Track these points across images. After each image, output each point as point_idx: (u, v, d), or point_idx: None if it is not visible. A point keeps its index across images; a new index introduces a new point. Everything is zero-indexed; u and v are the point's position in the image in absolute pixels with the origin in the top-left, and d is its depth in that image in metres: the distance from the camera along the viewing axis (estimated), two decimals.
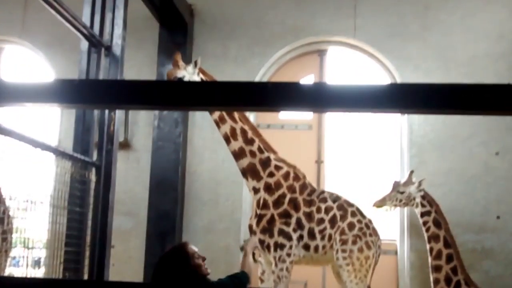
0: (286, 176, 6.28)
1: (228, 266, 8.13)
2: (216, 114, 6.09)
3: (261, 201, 6.18)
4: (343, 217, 6.37)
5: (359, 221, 6.43)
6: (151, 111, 8.54)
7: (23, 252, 5.36)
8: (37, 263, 8.32)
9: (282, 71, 8.77)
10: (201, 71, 6.25)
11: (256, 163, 6.18)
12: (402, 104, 2.98)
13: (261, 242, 6.11)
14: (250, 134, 6.19)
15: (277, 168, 6.26)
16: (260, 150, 6.20)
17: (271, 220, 6.12)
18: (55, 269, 5.23)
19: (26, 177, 5.16)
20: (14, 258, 8.42)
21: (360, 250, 6.33)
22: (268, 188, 6.19)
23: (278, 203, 6.18)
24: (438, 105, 2.95)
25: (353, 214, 6.45)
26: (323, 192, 6.53)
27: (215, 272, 8.28)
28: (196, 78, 6.09)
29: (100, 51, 5.85)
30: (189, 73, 6.08)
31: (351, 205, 6.52)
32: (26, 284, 3.76)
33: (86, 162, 5.53)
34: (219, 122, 6.14)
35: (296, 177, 6.34)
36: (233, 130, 6.12)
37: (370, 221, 6.55)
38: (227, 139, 6.17)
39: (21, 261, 5.90)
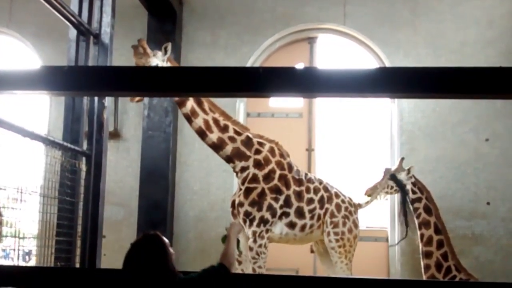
0: (271, 151, 6.33)
1: (219, 255, 8.13)
2: (188, 107, 5.95)
3: (249, 176, 6.17)
4: (330, 199, 6.57)
5: (343, 201, 6.69)
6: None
7: (13, 243, 5.32)
8: (27, 254, 8.28)
9: (272, 59, 8.74)
10: (169, 60, 6.09)
11: (239, 146, 6.18)
12: (393, 88, 2.99)
13: (247, 214, 6.09)
14: (221, 121, 6.14)
15: (261, 144, 6.30)
16: (237, 133, 6.20)
17: (262, 194, 6.13)
18: (47, 259, 5.18)
19: (15, 167, 5.11)
20: (4, 250, 8.37)
21: (350, 230, 6.61)
22: (258, 164, 6.21)
23: (268, 177, 6.19)
24: (429, 89, 2.95)
25: (337, 196, 6.68)
26: (306, 173, 6.61)
27: (206, 261, 8.28)
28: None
29: (88, 39, 5.77)
30: (160, 61, 5.94)
31: (332, 186, 6.76)
32: (17, 273, 3.74)
33: (76, 151, 5.47)
34: (190, 117, 6.00)
35: (282, 154, 6.39)
36: (206, 122, 6.04)
37: (350, 198, 6.83)
38: (202, 133, 6.07)
39: (12, 253, 5.86)
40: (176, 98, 5.94)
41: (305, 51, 8.87)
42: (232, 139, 6.14)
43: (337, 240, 6.47)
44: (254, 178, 6.16)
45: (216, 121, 6.09)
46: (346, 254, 6.54)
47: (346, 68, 3.05)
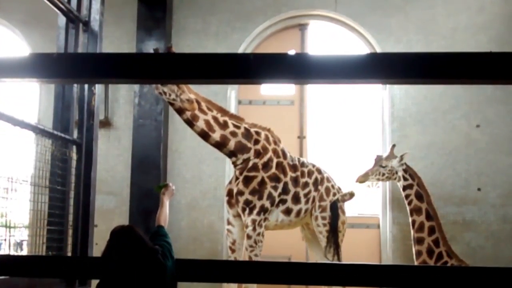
0: (267, 139, 6.34)
1: (212, 243, 8.15)
2: (188, 113, 5.87)
3: (249, 165, 6.15)
4: (322, 181, 6.61)
5: (333, 187, 6.72)
6: (131, 89, 8.45)
7: (4, 234, 5.30)
8: (19, 245, 8.26)
9: (263, 46, 8.71)
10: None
11: (241, 140, 6.15)
12: (385, 73, 2.98)
13: (248, 202, 6.08)
14: (220, 118, 6.09)
15: (257, 134, 6.30)
16: (236, 126, 6.17)
17: (262, 183, 6.11)
18: (38, 249, 5.18)
19: (5, 156, 5.08)
20: None
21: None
22: (258, 154, 6.20)
23: (267, 166, 6.19)
24: (420, 75, 2.95)
25: (328, 180, 6.71)
26: (298, 158, 6.66)
27: (199, 249, 8.30)
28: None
29: (78, 27, 5.73)
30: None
31: (325, 171, 6.79)
32: (8, 262, 3.72)
33: (66, 140, 5.45)
34: (192, 121, 5.92)
35: (275, 141, 6.41)
36: (207, 123, 5.98)
37: (339, 187, 6.85)
38: (205, 135, 6.02)
39: (3, 244, 5.83)
40: (176, 107, 5.83)
41: (297, 37, 8.84)
42: (233, 134, 6.11)
43: (324, 225, 6.49)
44: (254, 167, 6.14)
45: (216, 119, 6.04)
46: None
47: (338, 54, 3.04)
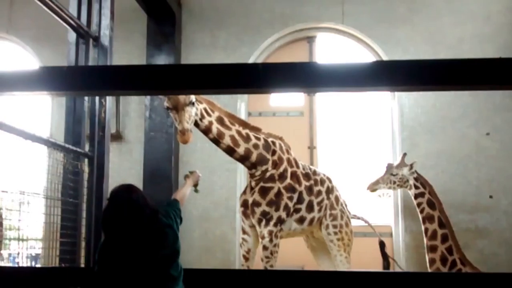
0: (281, 148, 6.31)
1: (225, 253, 8.16)
2: (214, 131, 5.79)
3: (267, 175, 6.11)
4: (332, 190, 6.63)
5: (340, 196, 6.77)
6: (141, 102, 8.52)
7: (18, 247, 5.34)
8: (33, 259, 8.30)
9: (271, 59, 8.76)
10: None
11: (262, 152, 6.11)
12: (393, 80, 3.01)
13: (264, 214, 6.01)
14: (242, 131, 6.04)
15: (274, 144, 6.27)
16: (257, 138, 6.15)
17: (279, 194, 6.07)
18: (52, 261, 5.22)
19: (18, 170, 5.14)
20: (10, 254, 8.36)
21: (347, 224, 6.64)
22: (275, 165, 6.18)
23: (282, 176, 6.15)
24: (427, 81, 2.98)
25: (336, 189, 6.75)
26: (309, 166, 6.69)
27: (212, 260, 8.30)
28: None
29: (88, 42, 5.80)
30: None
31: (333, 181, 6.80)
32: (23, 274, 3.76)
33: (78, 153, 5.50)
34: (218, 139, 5.85)
35: (288, 150, 6.40)
36: (232, 138, 5.91)
37: (344, 200, 6.90)
38: (231, 150, 5.95)
39: (17, 258, 5.87)
40: (202, 127, 5.75)
41: (304, 50, 8.89)
42: (256, 146, 6.07)
43: (335, 233, 6.47)
44: (271, 178, 6.11)
45: (239, 133, 5.99)
46: (345, 248, 6.52)
47: (345, 63, 3.08)
